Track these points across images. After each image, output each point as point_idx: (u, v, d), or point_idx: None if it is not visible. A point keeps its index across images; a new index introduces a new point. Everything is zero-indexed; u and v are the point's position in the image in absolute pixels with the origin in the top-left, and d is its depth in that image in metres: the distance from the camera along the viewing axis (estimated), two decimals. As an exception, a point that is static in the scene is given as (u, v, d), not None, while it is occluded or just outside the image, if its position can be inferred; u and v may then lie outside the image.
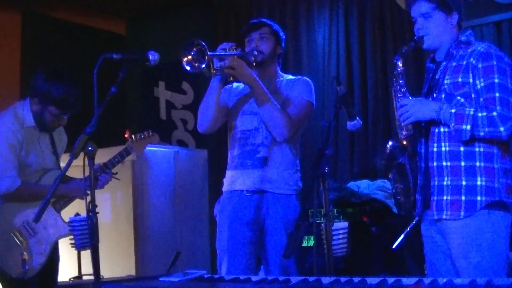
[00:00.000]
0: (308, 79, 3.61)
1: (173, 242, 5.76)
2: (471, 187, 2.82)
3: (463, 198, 2.82)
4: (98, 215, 2.55)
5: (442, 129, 2.88)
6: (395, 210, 3.21)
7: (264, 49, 3.53)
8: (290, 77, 3.63)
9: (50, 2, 6.56)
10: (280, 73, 3.65)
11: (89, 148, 2.56)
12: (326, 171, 2.67)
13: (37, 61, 6.26)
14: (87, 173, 2.60)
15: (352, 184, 5.12)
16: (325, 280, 2.34)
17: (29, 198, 3.68)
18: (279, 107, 3.38)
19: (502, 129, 2.71)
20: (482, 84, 2.80)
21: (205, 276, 2.72)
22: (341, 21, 5.85)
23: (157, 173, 5.76)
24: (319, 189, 2.70)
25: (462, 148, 2.84)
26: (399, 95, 3.02)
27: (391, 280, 2.26)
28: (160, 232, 5.70)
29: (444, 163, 2.88)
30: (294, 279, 2.43)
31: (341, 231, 4.06)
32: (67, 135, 4.01)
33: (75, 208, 4.03)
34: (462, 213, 2.81)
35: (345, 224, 3.81)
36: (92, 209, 2.53)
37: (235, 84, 3.62)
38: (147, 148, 4.03)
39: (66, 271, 3.99)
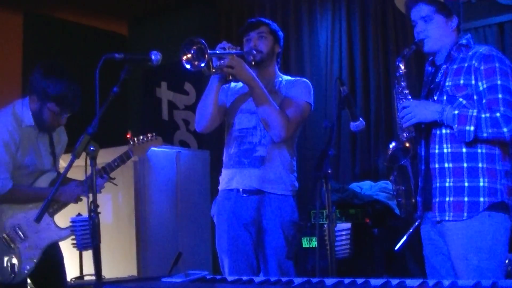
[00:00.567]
0: (307, 80, 3.61)
1: (175, 242, 5.75)
2: (474, 188, 2.81)
3: (466, 199, 2.81)
4: (100, 215, 2.54)
5: (444, 131, 2.88)
6: (397, 211, 3.19)
7: (262, 48, 3.53)
8: (289, 77, 3.63)
9: (51, 2, 6.55)
10: (279, 73, 3.65)
11: (91, 148, 2.55)
12: (329, 172, 2.66)
13: (39, 61, 6.23)
14: (89, 173, 2.59)
15: (354, 185, 5.11)
16: (328, 281, 2.33)
17: (21, 200, 3.64)
18: (277, 107, 3.37)
19: (505, 130, 2.71)
20: (485, 86, 2.80)
21: (207, 277, 2.71)
22: (343, 22, 5.84)
23: (159, 174, 5.75)
24: (321, 190, 2.69)
25: (464, 150, 2.84)
26: (400, 97, 3.02)
27: (394, 281, 2.25)
28: (162, 233, 5.69)
29: (446, 165, 2.87)
30: (297, 280, 2.41)
31: (344, 232, 4.04)
32: (68, 135, 3.95)
33: (77, 209, 4.03)
34: (465, 214, 2.81)
35: (348, 225, 3.80)
36: (93, 209, 2.52)
37: (233, 83, 3.63)
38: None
39: (68, 271, 3.97)
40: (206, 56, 3.12)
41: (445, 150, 2.88)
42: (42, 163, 3.75)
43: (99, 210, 2.54)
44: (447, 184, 2.87)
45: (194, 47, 3.14)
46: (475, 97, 2.83)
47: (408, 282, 2.25)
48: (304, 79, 3.62)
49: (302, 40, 6.11)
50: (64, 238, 3.81)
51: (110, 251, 5.11)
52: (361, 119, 3.03)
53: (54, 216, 3.76)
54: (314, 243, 4.57)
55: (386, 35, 5.61)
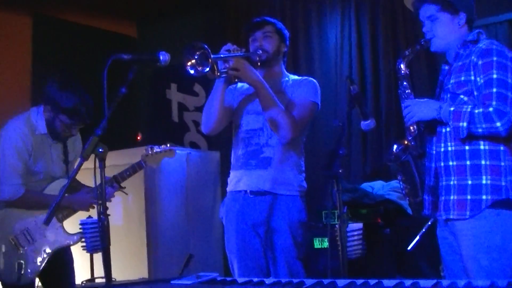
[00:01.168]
0: (314, 80, 3.58)
1: (185, 244, 5.75)
2: (476, 186, 2.79)
3: (468, 197, 2.80)
4: (110, 217, 2.53)
5: (448, 129, 2.87)
6: (409, 211, 3.17)
7: (268, 47, 3.52)
8: (296, 77, 3.61)
9: (60, 4, 6.57)
10: (286, 72, 3.62)
11: (100, 150, 2.53)
12: (340, 172, 2.64)
13: (48, 63, 6.27)
14: (97, 175, 2.58)
15: (366, 185, 5.08)
16: (340, 282, 2.31)
17: (31, 206, 3.70)
18: (283, 108, 3.35)
19: (498, 124, 2.68)
20: (482, 81, 2.78)
21: (218, 278, 2.71)
22: (352, 21, 5.81)
23: (169, 175, 5.75)
24: (332, 190, 2.68)
25: (467, 147, 2.83)
26: (403, 97, 3.03)
27: (408, 282, 2.23)
28: (172, 235, 5.69)
29: (450, 163, 2.87)
30: (309, 282, 2.39)
31: (356, 233, 4.02)
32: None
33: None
34: (468, 213, 2.79)
35: (359, 225, 3.78)
36: (103, 211, 2.51)
37: (239, 84, 3.61)
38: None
39: (79, 274, 3.97)
40: (210, 60, 3.11)
41: (449, 148, 2.87)
42: (53, 170, 3.81)
43: (109, 212, 2.53)
44: (451, 182, 2.86)
45: (197, 52, 3.11)
46: (475, 93, 2.82)
47: (422, 282, 2.23)
48: (311, 79, 3.59)
49: (311, 39, 6.08)
50: (72, 243, 3.85)
51: (121, 253, 5.11)
52: (371, 118, 3.01)
53: (64, 222, 3.81)
54: (326, 244, 4.54)
55: (395, 33, 5.57)
